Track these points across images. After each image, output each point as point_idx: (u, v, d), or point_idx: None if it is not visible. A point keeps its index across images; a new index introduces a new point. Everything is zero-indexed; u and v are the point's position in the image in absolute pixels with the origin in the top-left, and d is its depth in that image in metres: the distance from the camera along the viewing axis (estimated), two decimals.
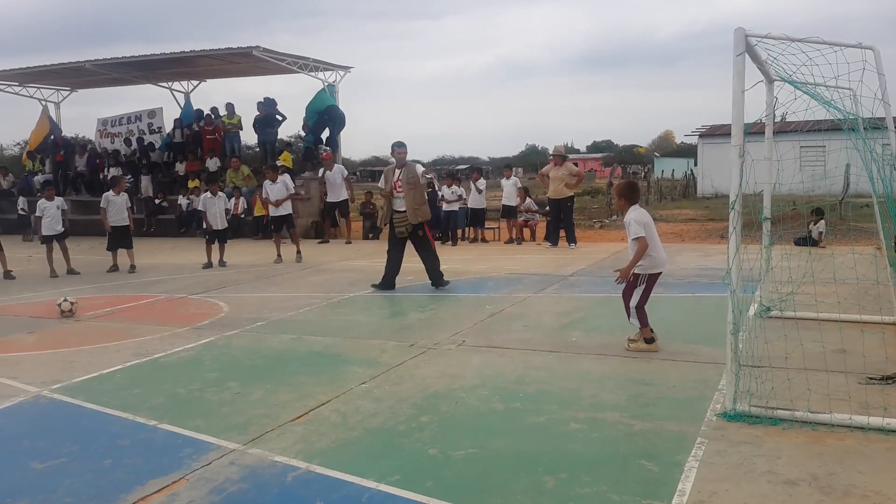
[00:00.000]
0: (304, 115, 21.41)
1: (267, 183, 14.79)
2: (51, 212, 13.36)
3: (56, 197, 13.76)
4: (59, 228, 13.48)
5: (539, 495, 3.83)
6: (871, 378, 5.44)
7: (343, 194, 18.11)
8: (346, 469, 4.22)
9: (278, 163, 19.36)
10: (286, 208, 14.75)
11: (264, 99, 21.81)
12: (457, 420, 5.07)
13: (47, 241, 13.33)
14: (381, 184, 10.53)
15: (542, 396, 5.48)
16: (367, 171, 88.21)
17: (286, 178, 15.06)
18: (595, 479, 3.99)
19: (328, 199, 18.39)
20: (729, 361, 4.85)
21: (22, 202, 20.84)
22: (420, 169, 10.55)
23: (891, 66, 5.87)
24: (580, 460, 4.28)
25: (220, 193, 14.26)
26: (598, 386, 5.69)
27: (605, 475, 4.05)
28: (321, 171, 18.64)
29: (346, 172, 18.54)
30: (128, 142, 24.53)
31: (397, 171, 10.38)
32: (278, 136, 23.07)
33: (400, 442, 4.67)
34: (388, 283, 10.61)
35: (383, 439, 4.73)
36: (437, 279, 10.56)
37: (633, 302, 6.60)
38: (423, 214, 10.42)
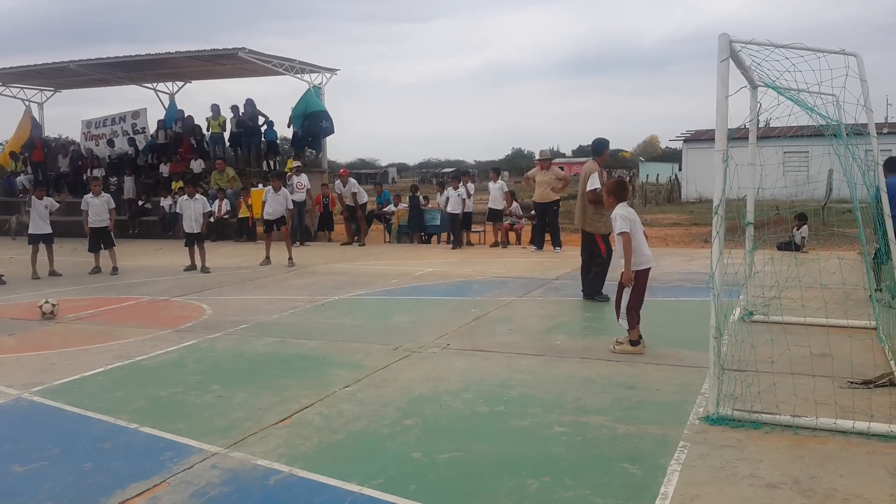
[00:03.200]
0: (289, 115, 21.41)
1: (269, 190, 14.66)
2: (39, 210, 13.26)
3: (46, 197, 13.62)
4: (48, 229, 13.38)
5: (522, 498, 3.83)
6: (852, 382, 5.47)
7: (356, 201, 18.27)
8: (329, 472, 4.20)
9: (294, 167, 19.42)
10: (279, 213, 14.63)
11: (246, 101, 21.82)
12: (441, 423, 5.06)
13: (34, 241, 13.23)
14: (594, 185, 9.17)
15: (527, 400, 5.48)
16: (353, 173, 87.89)
17: (286, 192, 14.99)
18: (578, 483, 3.99)
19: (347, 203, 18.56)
20: (712, 365, 4.87)
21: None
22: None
23: (873, 73, 5.92)
24: (564, 463, 4.28)
25: (197, 196, 14.11)
26: (582, 389, 5.69)
27: (589, 478, 4.05)
28: (336, 182, 18.72)
29: (357, 186, 18.54)
30: (111, 143, 24.40)
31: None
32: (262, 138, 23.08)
33: (383, 445, 4.66)
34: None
35: (367, 443, 4.71)
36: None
37: (625, 302, 6.62)
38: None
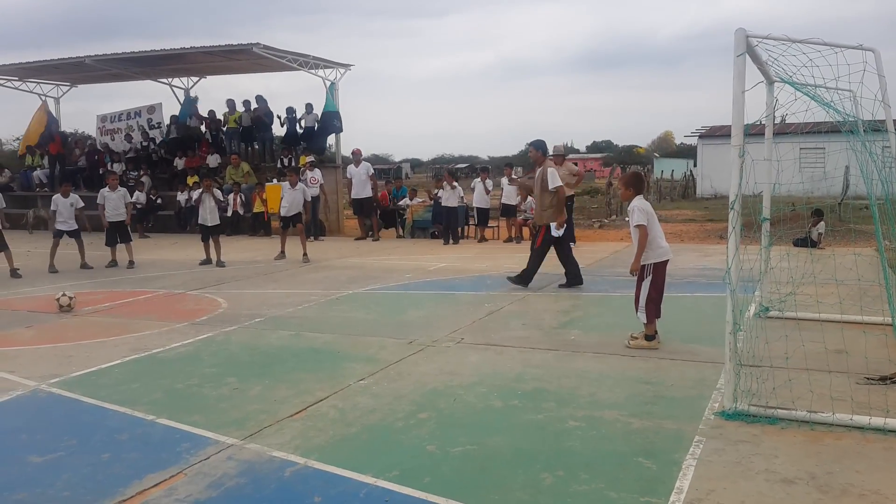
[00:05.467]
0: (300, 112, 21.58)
1: (286, 186, 14.68)
2: (64, 207, 13.39)
3: (71, 194, 13.66)
4: (73, 225, 13.51)
5: (537, 492, 3.84)
6: (868, 378, 5.45)
7: (367, 191, 18.13)
8: (343, 465, 4.23)
9: (307, 162, 19.44)
10: (296, 208, 14.65)
11: (257, 97, 21.96)
12: (455, 417, 5.07)
13: (58, 235, 13.38)
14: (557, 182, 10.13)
15: (541, 394, 5.48)
16: None
17: (303, 187, 15.02)
18: (593, 477, 3.99)
19: (353, 196, 18.43)
20: (727, 360, 4.86)
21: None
22: (551, 172, 10.00)
23: (891, 68, 5.88)
24: (578, 458, 4.28)
25: (213, 189, 14.19)
26: (597, 384, 5.69)
27: (603, 473, 4.05)
28: (349, 167, 18.71)
29: (371, 170, 18.49)
30: (128, 138, 24.52)
31: (538, 171, 10.17)
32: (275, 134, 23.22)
33: (398, 438, 4.68)
34: (525, 278, 10.26)
35: (381, 435, 4.73)
36: (521, 278, 10.28)
37: (644, 295, 6.60)
38: (547, 217, 10.01)
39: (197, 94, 24.50)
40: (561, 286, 10.27)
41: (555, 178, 9.90)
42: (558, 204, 9.93)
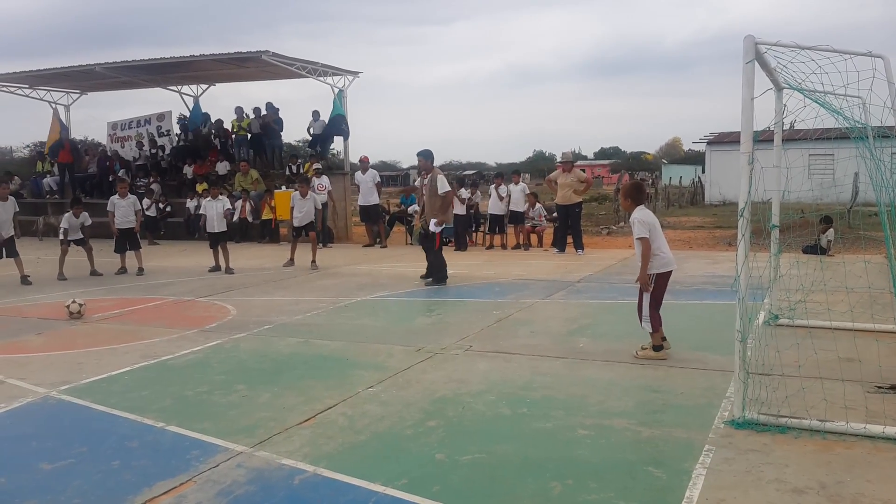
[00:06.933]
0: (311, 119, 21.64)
1: (297, 196, 14.72)
2: (74, 225, 13.51)
3: (83, 213, 13.68)
4: (80, 234, 13.63)
5: (546, 501, 3.83)
6: (879, 387, 5.42)
7: (374, 198, 18.28)
8: (353, 473, 4.23)
9: (314, 169, 19.49)
10: (309, 217, 14.63)
11: (267, 104, 22.03)
12: (464, 425, 5.07)
13: (65, 242, 13.45)
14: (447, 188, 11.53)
15: (549, 402, 5.48)
16: None
17: (313, 196, 15.07)
18: (602, 486, 3.98)
19: (360, 203, 18.60)
20: (737, 369, 4.84)
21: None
22: (440, 179, 11.11)
23: None
24: (587, 466, 4.28)
25: (220, 197, 14.26)
26: (606, 392, 5.68)
27: (613, 482, 4.04)
28: (356, 173, 18.86)
29: (378, 177, 18.62)
30: (139, 145, 24.64)
31: (427, 178, 11.20)
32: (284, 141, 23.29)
33: (407, 446, 4.68)
34: (430, 274, 11.54)
35: (390, 443, 4.73)
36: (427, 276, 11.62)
37: (646, 305, 6.57)
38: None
39: (207, 112, 24.53)
40: (423, 277, 11.54)
41: (444, 183, 11.20)
42: (444, 206, 11.22)
